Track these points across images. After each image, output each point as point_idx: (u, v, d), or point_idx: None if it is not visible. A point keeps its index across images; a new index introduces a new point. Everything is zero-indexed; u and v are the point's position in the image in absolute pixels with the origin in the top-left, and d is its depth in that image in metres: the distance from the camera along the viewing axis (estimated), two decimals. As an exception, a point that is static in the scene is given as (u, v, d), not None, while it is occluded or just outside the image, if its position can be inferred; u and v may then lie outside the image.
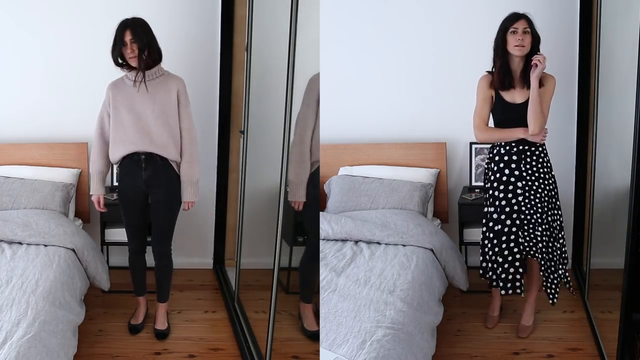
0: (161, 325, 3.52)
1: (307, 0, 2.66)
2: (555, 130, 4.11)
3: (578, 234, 4.21)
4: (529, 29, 3.13)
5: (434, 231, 3.67)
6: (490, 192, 3.31)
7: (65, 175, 4.04)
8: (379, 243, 3.60)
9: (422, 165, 4.18)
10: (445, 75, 4.13)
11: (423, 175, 4.12)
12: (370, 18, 4.19)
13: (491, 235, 3.29)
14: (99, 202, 3.38)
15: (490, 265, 3.31)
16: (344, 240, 3.64)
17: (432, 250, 3.52)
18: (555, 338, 3.41)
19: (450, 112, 4.13)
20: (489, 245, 3.30)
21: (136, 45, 3.15)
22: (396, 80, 4.23)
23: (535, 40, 3.17)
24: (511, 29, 3.14)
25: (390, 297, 2.91)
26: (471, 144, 4.16)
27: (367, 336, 2.57)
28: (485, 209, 3.34)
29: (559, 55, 4.04)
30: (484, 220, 3.34)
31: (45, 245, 3.47)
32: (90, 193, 3.40)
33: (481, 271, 3.40)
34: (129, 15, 3.20)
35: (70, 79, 4.16)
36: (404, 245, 3.54)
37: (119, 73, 3.28)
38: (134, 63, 3.17)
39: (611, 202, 3.36)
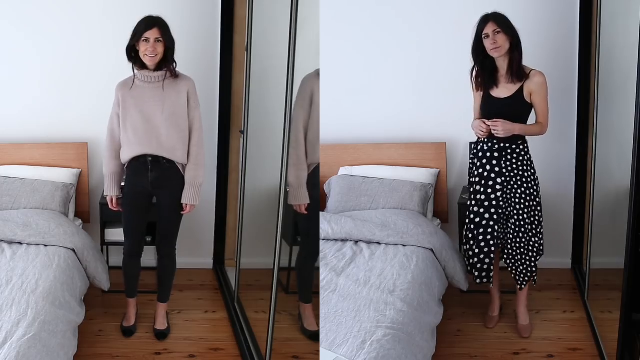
0: (161, 325, 3.52)
1: (307, 0, 2.66)
2: (555, 130, 4.11)
3: (578, 234, 4.21)
4: (499, 29, 3.17)
5: (434, 231, 3.67)
6: (474, 186, 3.41)
7: (65, 175, 4.04)
8: (379, 243, 3.60)
9: (422, 165, 4.18)
10: (445, 76, 4.13)
11: (423, 175, 4.12)
12: (371, 18, 4.19)
13: (471, 226, 3.41)
14: (112, 202, 3.40)
15: (468, 254, 3.45)
16: (344, 240, 3.64)
17: (432, 250, 3.53)
18: (555, 338, 3.41)
19: (450, 112, 4.13)
20: (469, 236, 3.43)
21: (162, 45, 3.14)
22: (396, 80, 4.23)
23: (511, 35, 3.19)
24: (483, 34, 3.20)
25: (390, 297, 2.91)
26: (471, 144, 4.15)
27: (367, 336, 2.57)
28: (468, 203, 3.46)
29: (559, 55, 4.05)
30: (466, 213, 3.46)
31: (45, 245, 3.47)
32: (105, 194, 3.43)
33: (466, 263, 3.51)
34: (136, 15, 3.19)
35: (70, 79, 4.15)
36: (404, 245, 3.54)
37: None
38: (150, 62, 3.15)
39: (611, 202, 3.37)
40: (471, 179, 3.46)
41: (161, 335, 3.48)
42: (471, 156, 3.47)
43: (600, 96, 3.55)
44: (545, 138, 4.06)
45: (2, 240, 3.50)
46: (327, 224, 3.66)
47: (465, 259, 3.50)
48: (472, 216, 3.42)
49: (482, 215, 3.38)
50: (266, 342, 2.89)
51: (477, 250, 3.41)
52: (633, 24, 2.70)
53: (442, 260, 3.53)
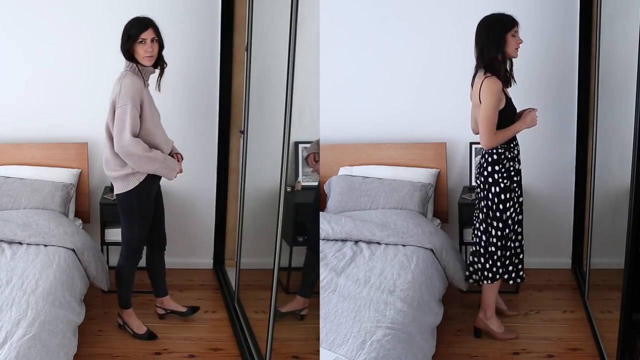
0: (178, 307, 3.57)
1: (307, 0, 2.66)
2: (555, 130, 4.12)
3: (578, 234, 4.21)
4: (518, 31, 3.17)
5: (434, 231, 3.67)
6: (512, 190, 3.25)
7: (65, 175, 4.04)
8: (379, 243, 3.60)
9: (422, 165, 4.18)
10: (445, 75, 4.13)
11: (423, 175, 4.12)
12: (371, 18, 4.19)
13: (517, 228, 3.32)
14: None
15: (502, 261, 3.32)
16: (344, 240, 3.64)
17: (432, 250, 3.53)
18: (555, 338, 3.41)
19: (450, 112, 4.13)
20: (507, 236, 3.29)
21: (157, 45, 3.15)
22: (396, 80, 4.23)
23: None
24: (512, 33, 3.11)
25: (390, 297, 2.92)
26: (471, 144, 4.15)
27: (367, 336, 2.57)
28: (507, 212, 3.25)
29: (559, 55, 4.05)
30: (498, 224, 3.26)
31: (45, 246, 3.47)
32: (174, 172, 3.22)
33: (490, 274, 3.34)
34: (131, 15, 3.18)
35: (70, 79, 4.15)
36: (404, 245, 3.54)
37: (119, 73, 3.26)
38: (149, 62, 3.15)
39: (611, 202, 3.36)
40: (507, 183, 3.22)
41: (188, 312, 3.54)
42: (503, 160, 3.21)
43: (600, 96, 3.55)
44: (545, 138, 4.08)
45: (2, 240, 3.50)
46: (327, 224, 3.67)
47: (497, 265, 3.33)
48: (509, 222, 3.27)
49: (517, 219, 3.33)
50: (266, 342, 2.89)
51: (507, 253, 3.32)
52: (633, 24, 2.70)
53: (442, 260, 3.53)
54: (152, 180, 3.23)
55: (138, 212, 3.25)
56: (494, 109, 3.12)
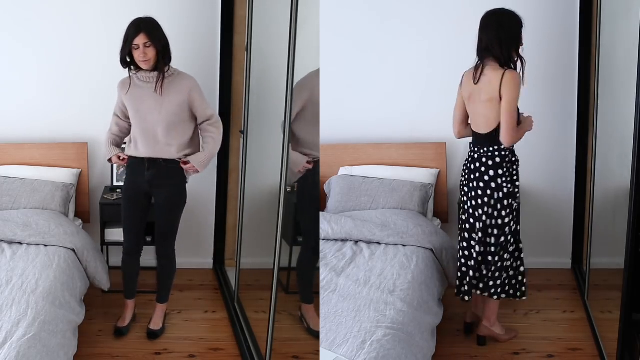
0: (155, 325, 3.51)
1: (307, 0, 2.66)
2: (555, 130, 4.12)
3: (578, 234, 4.21)
4: None
5: (434, 231, 3.67)
6: (514, 197, 3.14)
7: (65, 175, 4.04)
8: (379, 243, 3.60)
9: (422, 165, 4.18)
10: (445, 76, 4.11)
11: (423, 175, 4.12)
12: (370, 17, 4.19)
13: (510, 239, 3.19)
14: (118, 159, 3.40)
15: (501, 274, 3.21)
16: (344, 240, 3.64)
17: (432, 250, 3.53)
18: (555, 338, 3.41)
19: (450, 112, 4.10)
20: (502, 250, 3.18)
21: (152, 50, 3.14)
22: (396, 80, 4.23)
23: None
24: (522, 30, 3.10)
25: (390, 297, 2.92)
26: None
27: (367, 336, 2.57)
28: (507, 219, 3.14)
29: (559, 55, 4.05)
30: (499, 232, 3.15)
31: (45, 246, 3.47)
32: (107, 158, 3.43)
33: (492, 289, 3.23)
34: (135, 15, 3.18)
35: (70, 79, 4.15)
36: (404, 245, 3.54)
37: (119, 72, 3.27)
38: (145, 66, 3.16)
39: (611, 202, 3.37)
40: (510, 189, 3.11)
41: (153, 335, 3.47)
42: (504, 165, 3.10)
43: (600, 96, 3.56)
44: (545, 138, 4.08)
45: (2, 240, 3.50)
46: (327, 224, 3.67)
47: (496, 285, 3.22)
48: (505, 229, 3.16)
49: (514, 228, 3.20)
50: (266, 342, 2.89)
51: (504, 263, 3.22)
52: (633, 24, 2.70)
53: (442, 260, 3.53)
54: (134, 173, 3.32)
55: (122, 191, 3.44)
56: (516, 103, 3.01)
